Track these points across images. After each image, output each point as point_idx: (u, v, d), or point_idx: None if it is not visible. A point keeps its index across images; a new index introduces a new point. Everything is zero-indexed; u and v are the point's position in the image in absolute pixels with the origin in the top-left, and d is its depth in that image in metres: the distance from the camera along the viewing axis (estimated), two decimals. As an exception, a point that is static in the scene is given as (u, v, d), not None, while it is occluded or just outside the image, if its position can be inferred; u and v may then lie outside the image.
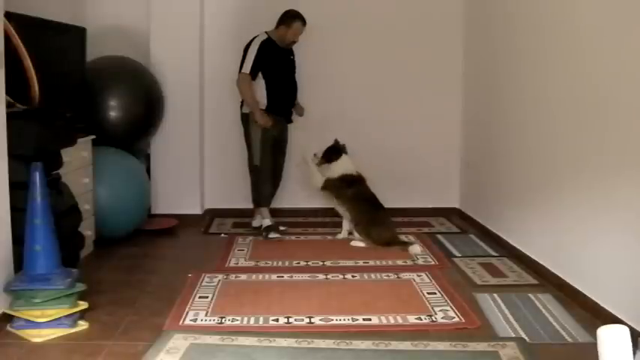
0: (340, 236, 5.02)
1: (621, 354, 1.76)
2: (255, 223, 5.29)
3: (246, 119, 5.08)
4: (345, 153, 5.03)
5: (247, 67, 4.95)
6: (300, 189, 5.69)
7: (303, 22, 5.06)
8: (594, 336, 1.87)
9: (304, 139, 5.47)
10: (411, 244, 4.72)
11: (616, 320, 3.03)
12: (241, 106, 5.12)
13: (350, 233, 4.99)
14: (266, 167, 5.09)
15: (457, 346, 2.97)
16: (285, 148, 5.35)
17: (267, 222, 5.12)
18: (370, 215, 4.83)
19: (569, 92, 3.76)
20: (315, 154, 5.06)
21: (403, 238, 4.92)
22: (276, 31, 5.08)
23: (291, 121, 5.32)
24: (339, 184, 4.93)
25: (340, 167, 4.97)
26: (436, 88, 5.89)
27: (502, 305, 3.53)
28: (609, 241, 3.28)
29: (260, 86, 5.00)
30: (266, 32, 5.05)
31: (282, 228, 5.19)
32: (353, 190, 4.90)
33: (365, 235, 4.78)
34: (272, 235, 5.03)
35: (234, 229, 5.35)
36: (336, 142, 5.06)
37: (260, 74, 4.98)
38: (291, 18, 5.05)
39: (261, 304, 3.55)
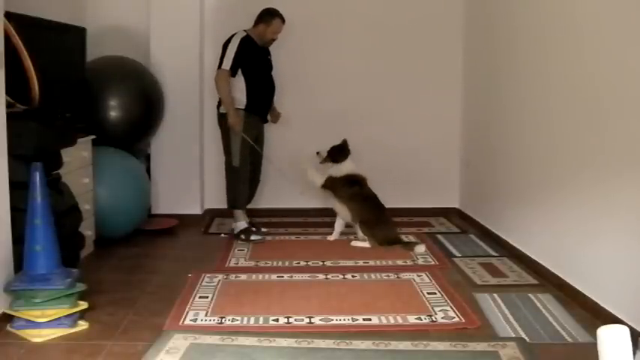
0: (331, 238, 4.97)
1: (621, 354, 1.76)
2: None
3: (224, 120, 4.90)
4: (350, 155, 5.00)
5: (227, 64, 4.80)
6: (299, 189, 5.69)
7: (282, 19, 4.96)
8: (594, 336, 1.87)
9: (303, 139, 5.47)
10: (417, 244, 4.72)
11: (616, 320, 3.03)
12: (218, 106, 4.97)
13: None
14: (245, 169, 4.97)
15: (457, 346, 2.97)
16: (262, 148, 5.21)
17: (242, 225, 5.01)
18: (374, 215, 4.83)
19: (570, 92, 3.76)
20: (318, 153, 5.01)
21: (404, 238, 4.92)
22: (255, 29, 4.98)
23: (266, 121, 5.18)
24: (341, 183, 4.90)
25: (346, 167, 4.93)
26: (436, 88, 5.90)
27: (502, 305, 3.53)
28: (609, 241, 3.27)
29: (234, 85, 4.87)
30: (245, 30, 4.95)
31: (263, 229, 5.13)
32: (354, 190, 4.88)
33: (369, 234, 4.77)
34: (254, 237, 4.94)
35: (234, 229, 5.35)
36: (345, 142, 5.00)
37: (240, 73, 4.86)
38: (269, 15, 4.95)
39: (261, 304, 3.55)
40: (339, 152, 4.98)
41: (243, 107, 4.90)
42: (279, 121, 5.30)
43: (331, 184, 4.94)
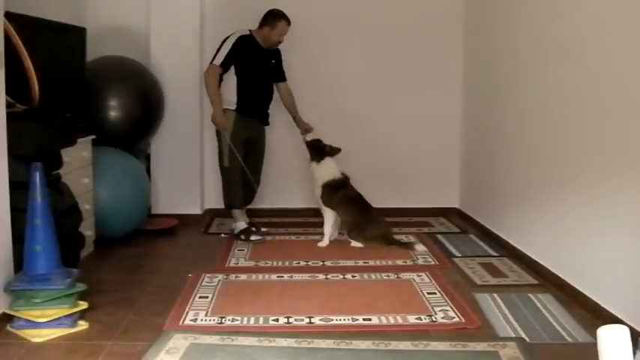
0: (322, 244, 4.82)
1: (621, 354, 1.76)
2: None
3: None
4: (330, 156, 4.90)
5: (219, 60, 4.77)
6: (299, 189, 5.70)
7: (288, 21, 4.88)
8: (594, 336, 1.87)
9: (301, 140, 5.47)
10: (415, 243, 4.73)
11: (616, 320, 3.03)
12: None
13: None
14: (236, 168, 4.92)
15: (457, 346, 2.97)
16: (262, 150, 5.17)
17: (242, 225, 4.99)
18: (359, 217, 4.80)
19: (570, 92, 3.76)
20: (304, 138, 5.01)
21: (403, 238, 4.92)
22: (260, 31, 4.91)
23: (267, 124, 5.15)
24: (324, 192, 4.85)
25: (323, 173, 4.87)
26: (436, 88, 5.89)
27: (502, 305, 3.53)
28: (610, 241, 3.27)
29: (230, 85, 4.86)
30: (249, 30, 4.92)
31: (263, 229, 5.11)
32: (339, 195, 4.84)
33: (361, 238, 4.76)
34: (254, 237, 4.92)
35: (234, 229, 5.35)
36: (323, 145, 4.92)
37: (233, 73, 4.82)
38: (274, 18, 4.87)
39: (261, 304, 3.55)
40: (315, 151, 4.91)
41: (233, 108, 4.88)
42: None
43: (326, 195, 4.87)
